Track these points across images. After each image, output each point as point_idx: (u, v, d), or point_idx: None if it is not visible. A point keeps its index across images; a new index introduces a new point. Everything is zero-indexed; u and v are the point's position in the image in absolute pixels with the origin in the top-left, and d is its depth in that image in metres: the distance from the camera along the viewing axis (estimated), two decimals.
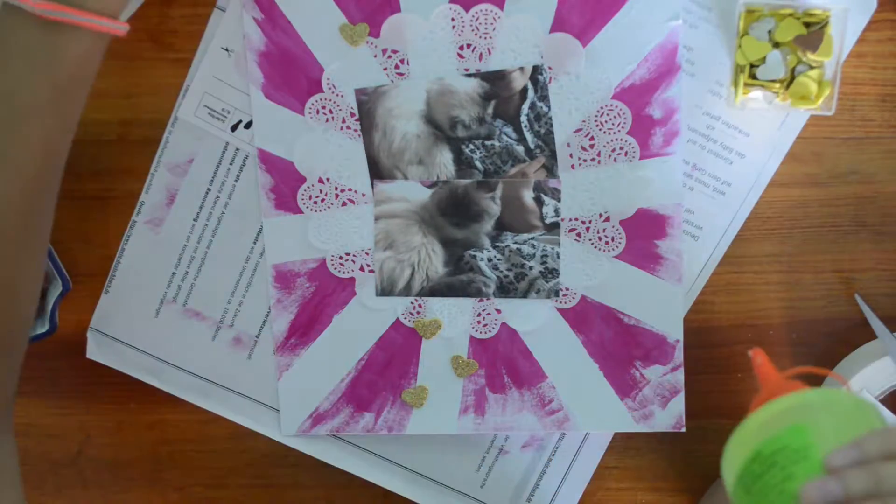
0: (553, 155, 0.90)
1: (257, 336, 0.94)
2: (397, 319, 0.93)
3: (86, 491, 0.94)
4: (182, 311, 0.94)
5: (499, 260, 0.92)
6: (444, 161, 0.91)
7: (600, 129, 0.89)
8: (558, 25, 0.88)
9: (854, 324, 0.93)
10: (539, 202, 0.91)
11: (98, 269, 0.93)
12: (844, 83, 0.90)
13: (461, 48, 0.89)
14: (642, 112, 0.89)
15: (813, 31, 0.86)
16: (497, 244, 0.92)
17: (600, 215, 0.91)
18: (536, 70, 0.89)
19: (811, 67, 0.87)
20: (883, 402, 0.89)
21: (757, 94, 0.89)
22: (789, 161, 0.92)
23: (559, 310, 0.92)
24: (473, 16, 0.88)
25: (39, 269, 0.79)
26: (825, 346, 0.93)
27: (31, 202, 0.75)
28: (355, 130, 0.90)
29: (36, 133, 0.72)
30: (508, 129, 0.90)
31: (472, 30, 0.88)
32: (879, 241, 0.93)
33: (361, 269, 0.93)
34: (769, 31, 0.87)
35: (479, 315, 0.93)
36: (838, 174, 0.92)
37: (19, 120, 0.71)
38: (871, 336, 0.91)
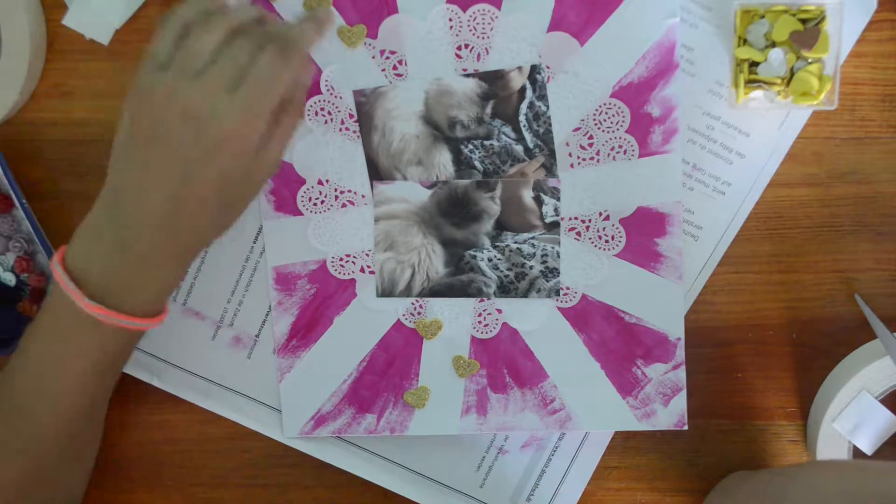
0: (552, 154, 0.90)
1: (257, 336, 0.94)
2: (398, 320, 0.93)
3: (86, 491, 0.93)
4: (182, 311, 0.94)
5: (499, 260, 0.92)
6: (444, 161, 0.91)
7: (599, 128, 0.89)
8: (556, 24, 0.88)
9: (854, 324, 0.93)
10: (539, 201, 0.91)
11: None
12: (844, 83, 0.90)
13: (459, 48, 0.89)
14: (641, 110, 0.89)
15: (809, 28, 0.86)
16: (497, 244, 0.92)
17: (600, 214, 0.91)
18: (534, 69, 0.89)
19: (810, 63, 0.87)
20: (883, 402, 0.89)
21: (758, 93, 0.88)
22: (789, 161, 0.92)
23: (560, 309, 0.92)
24: (471, 16, 0.88)
25: (81, 483, 0.92)
26: (825, 346, 0.93)
27: (70, 441, 0.85)
28: (354, 132, 0.91)
29: (74, 400, 0.82)
30: (507, 129, 0.90)
31: (470, 30, 0.88)
32: (879, 241, 0.92)
33: (362, 270, 0.93)
34: (765, 34, 0.87)
35: (479, 315, 0.93)
36: (838, 174, 0.92)
37: (63, 391, 0.81)
38: (871, 336, 0.91)
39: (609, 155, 0.90)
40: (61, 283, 0.77)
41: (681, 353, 0.92)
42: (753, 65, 0.88)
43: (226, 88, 0.74)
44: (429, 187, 0.91)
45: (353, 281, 0.93)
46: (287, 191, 0.92)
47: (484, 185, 0.91)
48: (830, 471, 0.80)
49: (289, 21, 0.85)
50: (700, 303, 0.93)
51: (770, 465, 0.95)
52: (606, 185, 0.90)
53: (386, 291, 0.93)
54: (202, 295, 0.94)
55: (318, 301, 0.93)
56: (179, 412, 0.96)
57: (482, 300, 0.93)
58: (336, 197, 0.92)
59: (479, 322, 0.93)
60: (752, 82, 0.88)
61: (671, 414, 0.93)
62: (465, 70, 0.89)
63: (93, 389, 0.83)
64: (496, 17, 0.88)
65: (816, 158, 0.92)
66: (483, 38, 0.89)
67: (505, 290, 0.92)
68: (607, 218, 0.91)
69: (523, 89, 0.89)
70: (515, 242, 0.91)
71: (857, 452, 0.91)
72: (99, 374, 0.82)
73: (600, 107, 0.89)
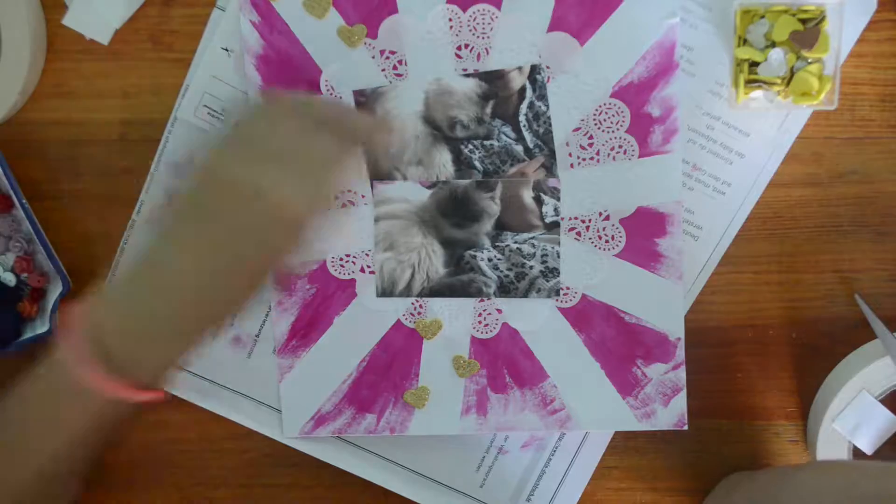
0: (552, 154, 0.90)
1: (257, 335, 0.94)
2: (398, 320, 0.93)
3: (85, 491, 0.93)
4: None
5: (499, 260, 0.92)
6: (444, 161, 0.91)
7: (599, 128, 0.89)
8: (556, 24, 0.88)
9: (854, 324, 0.93)
10: (539, 201, 0.91)
11: (98, 269, 0.94)
12: (844, 83, 0.90)
13: (459, 48, 0.89)
14: (641, 110, 0.89)
15: (809, 28, 0.86)
16: (497, 244, 0.91)
17: (600, 214, 0.91)
18: (534, 69, 0.89)
19: (810, 63, 0.87)
20: (883, 402, 0.89)
21: (758, 93, 0.88)
22: (789, 161, 0.91)
23: (560, 309, 0.92)
24: (471, 16, 0.88)
25: None
26: (825, 346, 0.93)
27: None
28: None
29: (50, 467, 0.76)
30: (507, 129, 0.90)
31: (470, 30, 0.88)
32: (879, 241, 0.92)
33: (362, 270, 0.93)
34: (765, 34, 0.87)
35: (479, 315, 0.93)
36: (838, 174, 0.92)
37: (36, 458, 0.76)
38: (871, 336, 0.91)
39: (609, 155, 0.90)
40: (76, 353, 0.72)
41: (681, 353, 0.92)
42: (753, 65, 0.88)
43: (299, 174, 0.75)
44: (429, 187, 0.91)
45: (353, 281, 0.93)
46: None
47: (484, 185, 0.91)
48: (830, 471, 0.80)
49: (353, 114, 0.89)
50: (700, 303, 0.93)
51: (770, 465, 0.95)
52: (606, 185, 0.90)
53: (386, 291, 0.93)
54: None
55: (318, 301, 0.93)
56: (179, 412, 0.96)
57: (482, 300, 0.93)
58: (336, 197, 0.92)
59: (479, 322, 0.93)
60: (752, 82, 0.88)
61: (671, 414, 0.93)
62: (465, 70, 0.89)
63: (74, 456, 0.78)
64: (496, 17, 0.88)
65: (816, 158, 0.92)
66: (483, 38, 0.89)
67: (505, 290, 0.92)
68: (607, 218, 0.91)
69: (523, 89, 0.89)
70: (515, 242, 0.91)
71: (857, 452, 0.91)
72: (83, 445, 0.76)
73: (600, 107, 0.89)
